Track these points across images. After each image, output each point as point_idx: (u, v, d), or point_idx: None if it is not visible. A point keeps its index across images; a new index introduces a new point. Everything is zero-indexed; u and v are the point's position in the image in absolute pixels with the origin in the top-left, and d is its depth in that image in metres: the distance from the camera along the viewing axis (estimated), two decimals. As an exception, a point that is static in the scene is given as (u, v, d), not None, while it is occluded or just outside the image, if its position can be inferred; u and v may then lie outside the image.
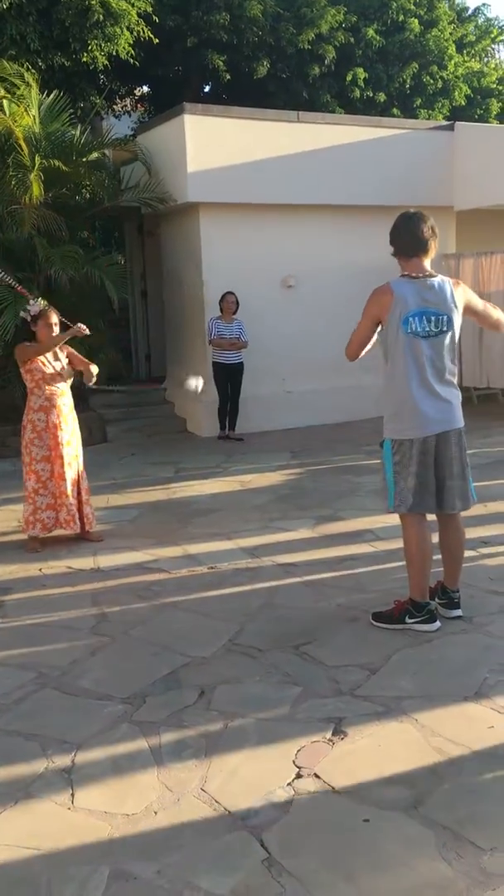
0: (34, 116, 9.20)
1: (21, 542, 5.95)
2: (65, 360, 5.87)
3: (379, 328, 4.10)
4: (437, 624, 4.17)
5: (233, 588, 4.96)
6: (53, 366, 5.78)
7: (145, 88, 14.58)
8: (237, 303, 9.52)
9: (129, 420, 10.27)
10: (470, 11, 16.35)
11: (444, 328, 4.01)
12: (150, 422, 10.35)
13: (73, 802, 2.90)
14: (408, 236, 4.02)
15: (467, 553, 5.17)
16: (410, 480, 4.04)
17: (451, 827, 2.68)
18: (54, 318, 5.75)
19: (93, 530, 5.98)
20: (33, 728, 3.40)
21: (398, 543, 5.25)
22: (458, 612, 4.30)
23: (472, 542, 5.44)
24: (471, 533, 5.55)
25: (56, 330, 5.76)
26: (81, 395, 8.79)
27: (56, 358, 5.82)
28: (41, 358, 5.72)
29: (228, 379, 9.61)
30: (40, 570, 5.41)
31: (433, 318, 3.97)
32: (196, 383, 5.31)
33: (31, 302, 5.81)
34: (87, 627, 4.44)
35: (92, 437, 9.45)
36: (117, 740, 3.29)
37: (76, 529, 5.86)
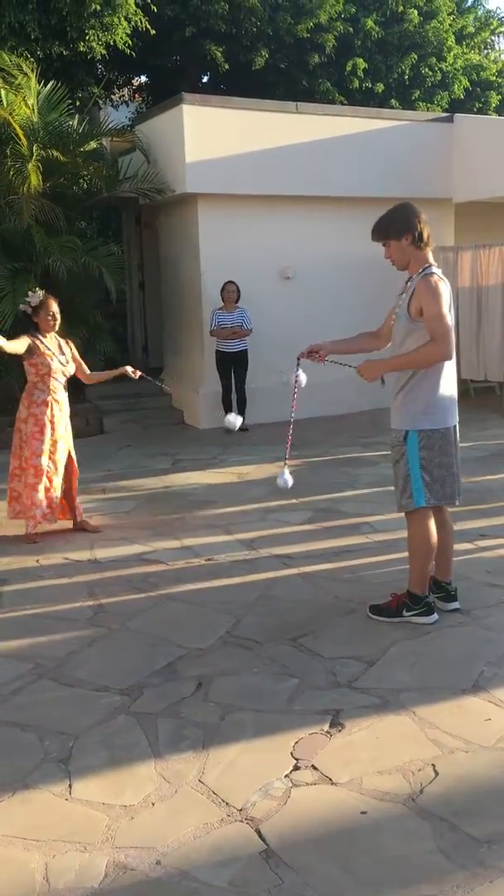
0: (32, 106, 9.15)
1: (18, 533, 5.93)
2: (69, 355, 5.88)
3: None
4: (435, 616, 4.17)
5: (230, 580, 4.95)
6: (59, 359, 5.78)
7: (143, 78, 14.50)
8: (238, 291, 9.49)
9: (125, 411, 10.25)
10: (469, 2, 16.25)
11: None
12: (147, 413, 10.33)
13: (70, 793, 2.90)
14: (421, 225, 3.96)
15: (465, 546, 5.19)
16: (437, 472, 4.03)
17: (449, 819, 2.68)
18: (54, 308, 5.76)
19: (82, 520, 6.02)
20: (30, 719, 3.40)
21: (395, 536, 5.28)
22: (456, 605, 4.31)
23: (470, 535, 5.45)
24: (468, 525, 5.58)
25: (58, 318, 5.77)
26: (77, 386, 8.78)
27: (62, 352, 5.83)
28: (48, 351, 5.71)
29: (230, 367, 9.59)
30: (37, 561, 5.41)
31: None
32: (234, 421, 5.25)
33: (30, 294, 5.79)
34: (85, 619, 4.43)
35: (88, 428, 9.44)
36: (114, 731, 3.28)
37: (51, 522, 5.88)
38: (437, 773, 2.93)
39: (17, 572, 5.20)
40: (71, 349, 5.93)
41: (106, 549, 5.58)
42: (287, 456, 4.47)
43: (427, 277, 3.93)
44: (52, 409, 5.80)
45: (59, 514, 5.94)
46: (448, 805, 2.75)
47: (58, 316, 5.78)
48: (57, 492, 5.87)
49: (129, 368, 6.01)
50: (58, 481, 5.86)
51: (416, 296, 3.93)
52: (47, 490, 5.81)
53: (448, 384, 4.03)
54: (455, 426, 4.11)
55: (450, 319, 3.92)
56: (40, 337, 5.74)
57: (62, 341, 5.90)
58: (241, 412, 9.68)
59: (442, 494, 4.08)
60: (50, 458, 5.81)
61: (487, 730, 3.20)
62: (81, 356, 6.06)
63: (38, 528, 5.82)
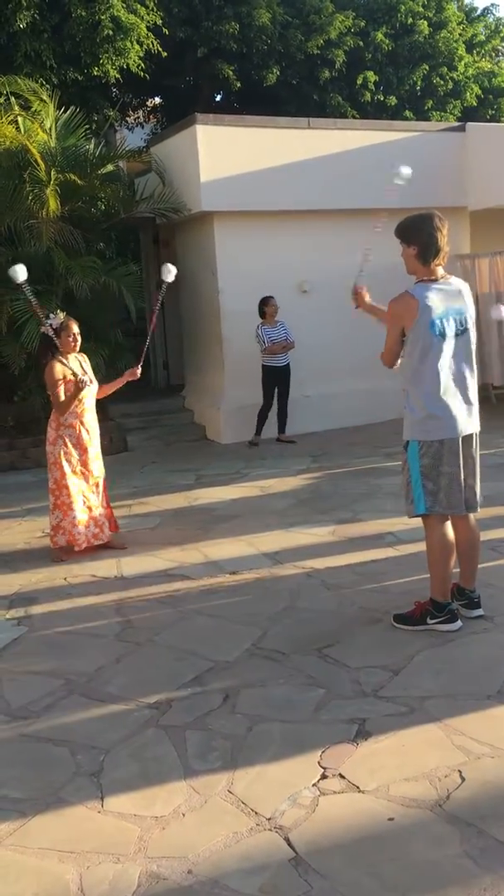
0: (50, 131, 9.32)
1: (46, 551, 6.02)
2: (91, 373, 5.97)
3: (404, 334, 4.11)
4: (459, 624, 4.19)
5: (255, 592, 5.00)
6: (83, 380, 5.86)
7: (157, 99, 14.70)
8: (276, 306, 9.68)
9: (148, 429, 10.35)
10: (479, 11, 16.35)
11: (467, 327, 4.07)
12: (170, 430, 10.43)
13: (102, 805, 2.96)
14: (431, 240, 4.03)
15: (488, 553, 5.20)
16: (442, 481, 4.07)
17: (476, 824, 2.71)
18: (75, 329, 5.83)
19: (117, 533, 6.10)
20: (62, 734, 3.47)
21: (418, 545, 5.29)
22: (480, 612, 4.32)
23: (493, 542, 5.46)
24: (493, 534, 5.58)
25: (79, 339, 5.86)
26: (100, 405, 8.87)
27: (83, 371, 5.91)
28: (70, 376, 5.79)
29: (279, 381, 9.69)
30: (65, 579, 5.49)
31: (456, 319, 4.04)
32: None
33: (51, 316, 5.89)
34: (113, 634, 4.50)
35: (112, 446, 9.55)
36: (144, 744, 3.34)
37: (104, 540, 5.97)
38: (463, 779, 2.96)
39: (46, 591, 5.29)
40: (86, 363, 6.03)
41: (132, 565, 5.66)
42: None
43: (401, 294, 4.08)
44: (79, 431, 5.87)
45: (98, 535, 5.95)
46: (475, 810, 2.78)
47: (79, 336, 5.87)
48: (100, 510, 5.95)
49: (128, 374, 6.21)
50: (97, 500, 5.94)
51: None
52: (90, 510, 5.89)
53: (446, 396, 4.03)
54: (465, 436, 4.10)
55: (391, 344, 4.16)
56: (63, 360, 5.83)
57: (81, 359, 5.98)
58: (283, 425, 9.75)
59: (448, 504, 4.09)
60: (83, 479, 5.90)
61: (513, 735, 3.22)
62: (105, 374, 6.14)
63: (71, 545, 5.89)
